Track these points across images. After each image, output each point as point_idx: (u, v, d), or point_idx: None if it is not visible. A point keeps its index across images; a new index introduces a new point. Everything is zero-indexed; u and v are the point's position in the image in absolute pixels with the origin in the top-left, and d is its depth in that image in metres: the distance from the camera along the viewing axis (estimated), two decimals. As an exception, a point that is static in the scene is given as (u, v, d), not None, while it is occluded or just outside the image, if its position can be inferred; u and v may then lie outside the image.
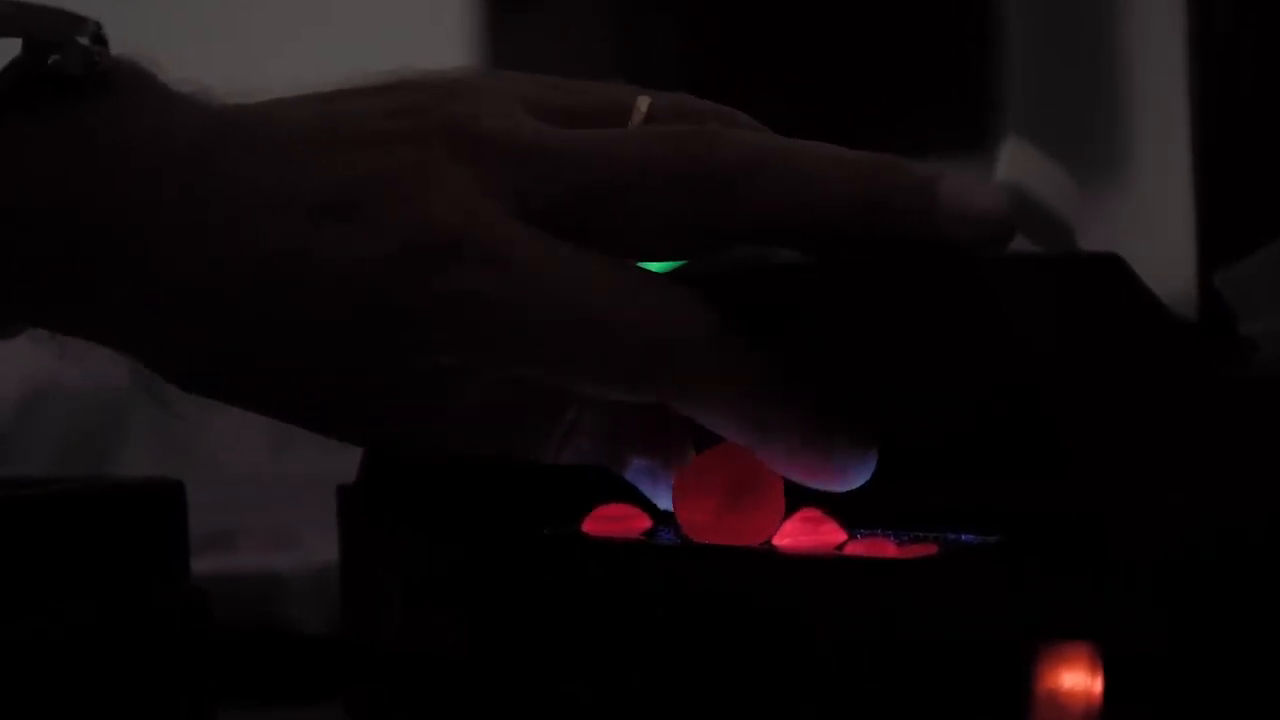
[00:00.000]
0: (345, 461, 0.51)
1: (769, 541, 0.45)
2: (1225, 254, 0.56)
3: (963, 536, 0.43)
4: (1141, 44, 1.78)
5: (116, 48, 0.47)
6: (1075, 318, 0.40)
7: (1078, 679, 0.36)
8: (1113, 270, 0.40)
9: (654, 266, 0.46)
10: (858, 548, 0.43)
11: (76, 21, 0.46)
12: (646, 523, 0.48)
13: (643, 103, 0.47)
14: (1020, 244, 0.54)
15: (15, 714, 0.45)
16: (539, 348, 0.44)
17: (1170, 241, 0.67)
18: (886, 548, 0.42)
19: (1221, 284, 0.54)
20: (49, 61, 0.45)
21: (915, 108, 1.77)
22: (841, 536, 0.44)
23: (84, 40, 0.46)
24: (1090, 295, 0.40)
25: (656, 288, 0.44)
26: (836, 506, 0.44)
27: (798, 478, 0.44)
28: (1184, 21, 0.60)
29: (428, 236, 0.44)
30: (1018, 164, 0.55)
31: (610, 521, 0.48)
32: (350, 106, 0.46)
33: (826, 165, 0.44)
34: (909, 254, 0.43)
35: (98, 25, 0.46)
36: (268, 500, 0.74)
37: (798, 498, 0.45)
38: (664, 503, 0.47)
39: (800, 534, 0.44)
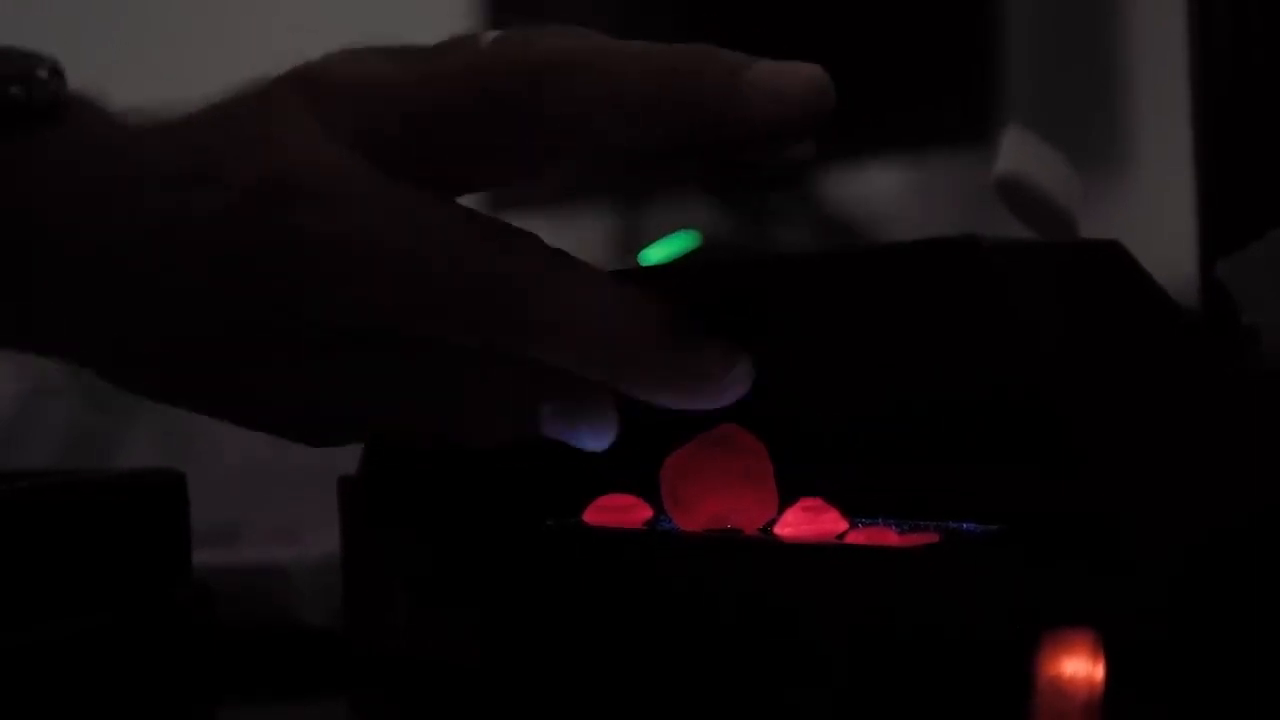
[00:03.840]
0: (346, 453, 0.51)
1: (770, 530, 0.45)
2: (1226, 244, 0.56)
3: (964, 525, 0.43)
4: (1143, 34, 1.78)
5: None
6: (1076, 306, 0.40)
7: (1079, 666, 0.36)
8: (1114, 258, 0.40)
9: (652, 257, 0.46)
10: (859, 536, 0.43)
11: (35, 59, 0.48)
12: (648, 513, 0.48)
13: (488, 34, 0.48)
14: (1021, 232, 0.54)
15: (16, 709, 0.45)
16: (368, 288, 0.44)
17: (1171, 232, 0.67)
18: (888, 536, 0.42)
19: (1223, 274, 0.54)
20: (9, 93, 0.47)
21: (917, 100, 1.77)
22: (843, 525, 0.44)
23: (43, 74, 0.48)
24: (1091, 283, 0.40)
25: (484, 225, 0.45)
26: (838, 496, 0.44)
27: (663, 401, 0.44)
28: (1185, 12, 0.60)
29: (262, 181, 0.45)
30: (1019, 153, 0.55)
31: (611, 512, 0.48)
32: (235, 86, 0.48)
33: (636, 57, 0.44)
34: (731, 146, 0.43)
35: (55, 61, 0.48)
36: (269, 493, 0.74)
37: (797, 489, 0.45)
38: (588, 444, 0.47)
39: (802, 523, 0.44)
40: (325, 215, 0.44)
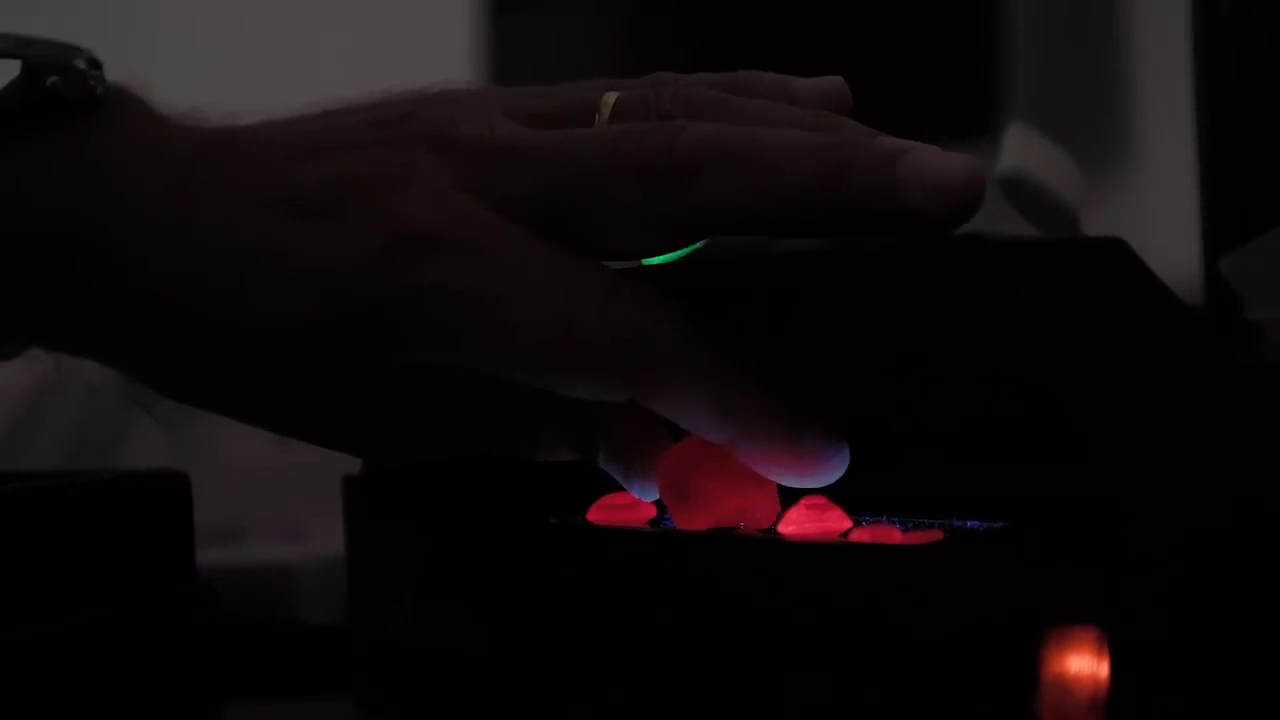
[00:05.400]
0: (350, 453, 0.51)
1: (774, 529, 0.45)
2: (1230, 240, 0.56)
3: (968, 523, 0.43)
4: (1146, 30, 1.78)
5: (120, 71, 0.48)
6: (1080, 302, 0.40)
7: (1084, 663, 0.36)
8: (1117, 255, 0.40)
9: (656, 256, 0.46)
10: (863, 534, 0.43)
11: (73, 49, 0.47)
12: (651, 511, 0.48)
13: (609, 98, 0.48)
14: (1025, 229, 0.54)
15: (20, 707, 0.45)
16: (512, 343, 0.44)
17: (1175, 227, 0.67)
18: (892, 534, 0.42)
19: (1227, 269, 0.54)
20: (47, 84, 0.46)
21: (921, 96, 1.76)
22: (846, 523, 0.44)
23: (81, 64, 0.47)
24: (1095, 280, 0.40)
25: (629, 287, 0.45)
26: (841, 494, 0.44)
27: (772, 473, 0.45)
28: (1187, 10, 0.60)
29: (406, 231, 0.44)
30: (1022, 149, 0.55)
31: (615, 510, 0.48)
32: (334, 119, 0.47)
33: (784, 150, 0.44)
34: (878, 231, 0.43)
35: (92, 54, 0.48)
36: (274, 493, 0.74)
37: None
38: (638, 493, 0.47)
39: (805, 521, 0.44)
40: (471, 268, 0.44)
